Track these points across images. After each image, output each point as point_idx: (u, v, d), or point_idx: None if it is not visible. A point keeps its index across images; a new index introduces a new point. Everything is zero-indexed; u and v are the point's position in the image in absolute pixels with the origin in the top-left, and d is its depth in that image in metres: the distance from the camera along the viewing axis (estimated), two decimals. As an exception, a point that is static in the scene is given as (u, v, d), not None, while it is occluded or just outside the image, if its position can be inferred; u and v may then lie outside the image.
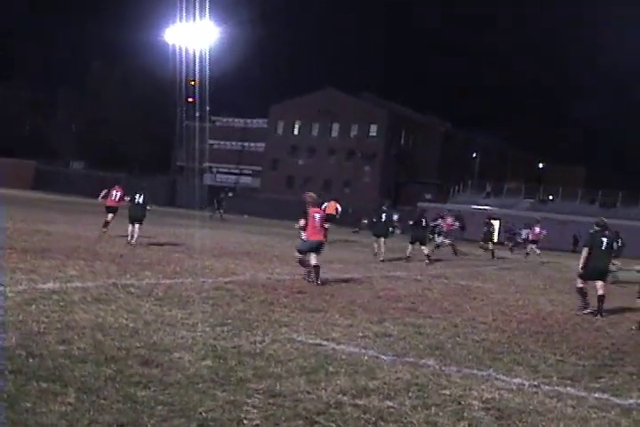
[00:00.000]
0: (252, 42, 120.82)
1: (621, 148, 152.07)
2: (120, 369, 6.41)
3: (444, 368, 7.90)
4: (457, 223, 34.35)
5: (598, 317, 13.91)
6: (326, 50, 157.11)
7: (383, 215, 25.66)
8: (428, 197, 77.40)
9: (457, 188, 75.52)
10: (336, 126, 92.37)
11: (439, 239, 30.89)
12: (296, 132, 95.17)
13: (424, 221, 26.05)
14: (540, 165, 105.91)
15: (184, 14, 62.58)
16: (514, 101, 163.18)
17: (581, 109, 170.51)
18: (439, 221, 31.70)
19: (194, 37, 63.59)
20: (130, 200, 22.06)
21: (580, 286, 14.54)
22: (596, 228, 15.21)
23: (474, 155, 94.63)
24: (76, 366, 6.36)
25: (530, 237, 35.44)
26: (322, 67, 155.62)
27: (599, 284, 14.38)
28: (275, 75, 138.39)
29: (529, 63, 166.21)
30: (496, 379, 7.66)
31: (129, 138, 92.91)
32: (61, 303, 9.39)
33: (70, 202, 50.65)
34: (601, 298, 14.32)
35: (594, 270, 14.39)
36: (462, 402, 6.56)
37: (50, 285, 10.89)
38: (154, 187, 72.50)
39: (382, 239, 24.95)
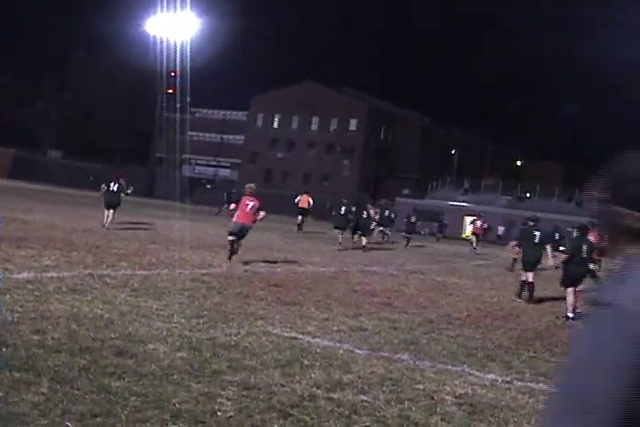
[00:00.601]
0: (233, 34, 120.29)
1: (600, 146, 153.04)
2: (94, 360, 6.39)
3: (418, 363, 7.94)
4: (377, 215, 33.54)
5: (526, 303, 14.63)
6: (307, 43, 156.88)
7: (343, 208, 27.78)
8: (407, 192, 77.56)
9: (435, 183, 75.72)
10: (316, 120, 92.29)
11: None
12: (276, 125, 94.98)
13: (366, 212, 27.12)
14: (519, 163, 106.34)
15: (165, 5, 62.41)
16: (494, 98, 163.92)
17: (561, 107, 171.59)
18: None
19: (175, 28, 63.38)
20: (106, 188, 23.81)
21: (523, 278, 15.69)
22: (530, 223, 16.28)
23: (453, 151, 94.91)
24: (50, 355, 6.34)
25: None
26: (302, 60, 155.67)
27: (530, 274, 15.25)
28: (255, 67, 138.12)
29: (509, 61, 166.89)
30: (469, 374, 7.72)
31: (108, 128, 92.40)
32: (36, 293, 9.34)
33: (47, 191, 50.31)
34: (530, 286, 15.36)
35: (527, 262, 15.46)
36: (435, 397, 6.61)
37: (25, 274, 10.83)
38: (132, 177, 72.40)
39: (341, 231, 26.90)
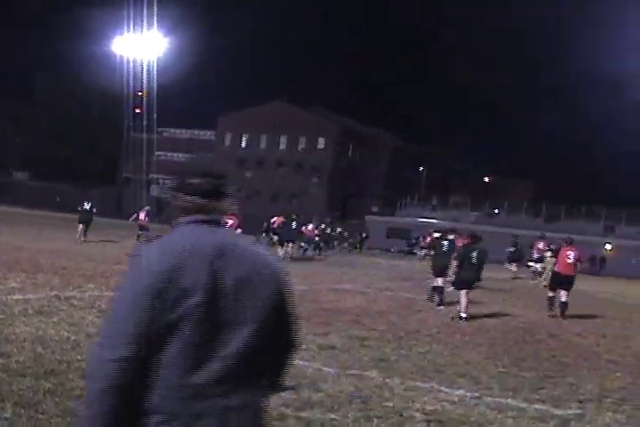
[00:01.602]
0: (201, 53, 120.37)
1: (567, 162, 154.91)
2: (60, 382, 6.31)
3: (387, 380, 7.94)
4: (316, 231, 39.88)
5: (463, 321, 14.40)
6: (276, 62, 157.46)
7: (293, 223, 30.16)
8: (375, 210, 77.75)
9: (404, 201, 76.00)
10: (284, 139, 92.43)
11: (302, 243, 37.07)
12: (244, 144, 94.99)
13: (294, 223, 29.99)
14: (487, 179, 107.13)
15: (131, 25, 62.24)
16: (460, 116, 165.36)
17: (527, 124, 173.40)
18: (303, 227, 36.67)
19: (141, 48, 63.29)
20: (80, 207, 28.70)
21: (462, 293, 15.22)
22: (469, 241, 16.08)
23: (420, 168, 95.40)
24: (15, 379, 6.26)
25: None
26: (271, 79, 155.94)
27: (463, 292, 14.99)
28: (223, 86, 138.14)
29: (473, 78, 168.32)
30: (439, 391, 7.72)
31: (75, 149, 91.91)
32: (1, 316, 9.23)
33: (14, 213, 49.85)
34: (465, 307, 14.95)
35: (467, 281, 15.21)
36: (404, 414, 6.60)
37: (-10, 297, 10.70)
38: (100, 198, 71.94)
39: (290, 244, 29.82)
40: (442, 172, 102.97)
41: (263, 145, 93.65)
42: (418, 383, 7.98)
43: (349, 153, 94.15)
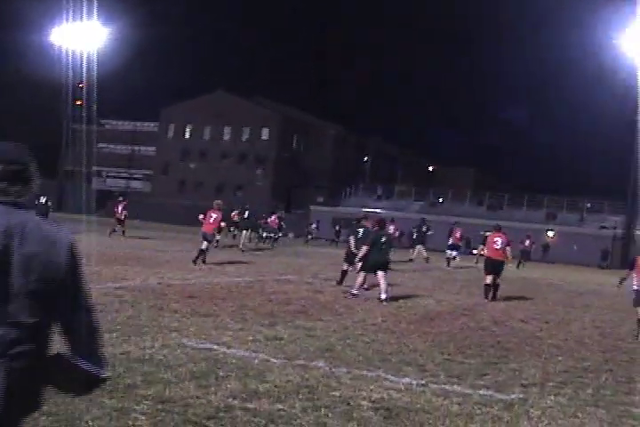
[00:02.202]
0: (142, 43, 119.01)
1: (509, 152, 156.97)
2: None
3: (334, 370, 7.97)
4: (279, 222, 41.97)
5: (385, 303, 15.25)
6: (218, 52, 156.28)
7: (246, 213, 34.04)
8: (320, 200, 77.88)
9: (349, 191, 76.24)
10: (228, 130, 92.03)
11: (264, 233, 40.19)
12: (187, 135, 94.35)
13: (247, 213, 34.32)
14: (430, 168, 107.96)
15: (71, 15, 61.31)
16: (404, 105, 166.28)
17: (472, 115, 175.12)
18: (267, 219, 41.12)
19: (81, 38, 62.37)
20: (36, 201, 29.68)
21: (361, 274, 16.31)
22: (377, 228, 17.11)
23: (365, 158, 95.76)
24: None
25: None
26: (213, 69, 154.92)
27: (380, 273, 15.88)
28: (165, 77, 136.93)
29: (418, 67, 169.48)
30: (385, 379, 7.78)
31: (13, 141, 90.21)
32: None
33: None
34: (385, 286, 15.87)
35: (374, 265, 16.03)
36: (352, 403, 6.64)
37: None
38: (41, 191, 70.77)
39: (245, 232, 32.39)
40: (386, 161, 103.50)
41: (207, 136, 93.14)
42: (364, 372, 8.03)
43: (294, 143, 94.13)
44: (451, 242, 33.53)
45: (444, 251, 34.13)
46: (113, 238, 30.77)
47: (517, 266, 36.30)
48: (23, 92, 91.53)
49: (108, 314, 10.32)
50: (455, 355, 9.64)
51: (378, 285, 16.08)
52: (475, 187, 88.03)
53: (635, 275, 14.00)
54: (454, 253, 33.36)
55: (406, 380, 7.83)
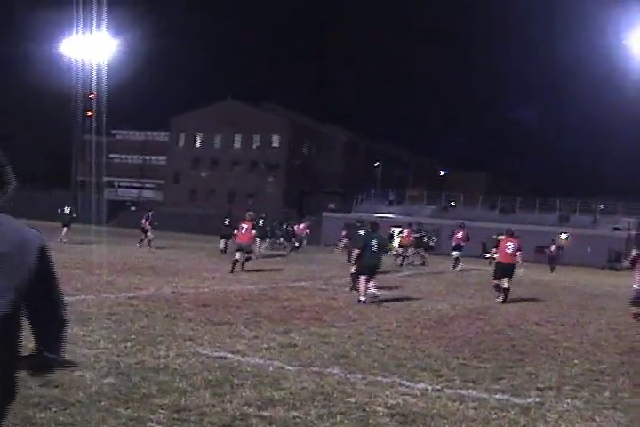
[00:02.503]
0: (151, 54, 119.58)
1: (519, 156, 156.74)
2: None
3: (349, 376, 7.96)
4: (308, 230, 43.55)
5: (361, 304, 15.51)
6: (227, 60, 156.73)
7: (227, 220, 33.28)
8: (332, 206, 77.83)
9: (360, 197, 76.16)
10: (238, 138, 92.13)
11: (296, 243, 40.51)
12: (198, 144, 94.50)
13: (261, 221, 32.18)
14: (442, 173, 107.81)
15: (80, 26, 61.59)
16: (413, 110, 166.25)
17: (482, 117, 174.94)
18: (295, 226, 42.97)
19: (91, 49, 62.63)
20: (60, 211, 34.15)
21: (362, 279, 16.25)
22: (369, 230, 17.32)
23: (376, 164, 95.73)
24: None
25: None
26: (223, 78, 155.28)
27: (362, 278, 16.12)
28: (175, 87, 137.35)
29: (428, 72, 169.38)
30: (400, 385, 7.76)
31: (26, 152, 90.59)
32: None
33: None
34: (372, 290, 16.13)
35: (368, 267, 16.15)
36: (367, 409, 6.63)
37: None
38: (55, 202, 70.99)
39: (224, 240, 32.32)
40: (397, 166, 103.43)
41: (217, 144, 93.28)
42: (379, 378, 8.02)
43: (304, 150, 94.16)
44: (454, 243, 33.89)
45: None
46: (141, 249, 31.50)
47: (551, 271, 38.79)
48: (34, 104, 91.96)
49: (123, 324, 10.35)
50: (470, 359, 9.62)
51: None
52: (487, 190, 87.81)
53: (637, 273, 14.10)
54: (455, 253, 33.78)
55: (421, 385, 7.81)
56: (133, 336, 9.36)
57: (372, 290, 16.13)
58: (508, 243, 18.81)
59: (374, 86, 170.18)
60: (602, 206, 67.41)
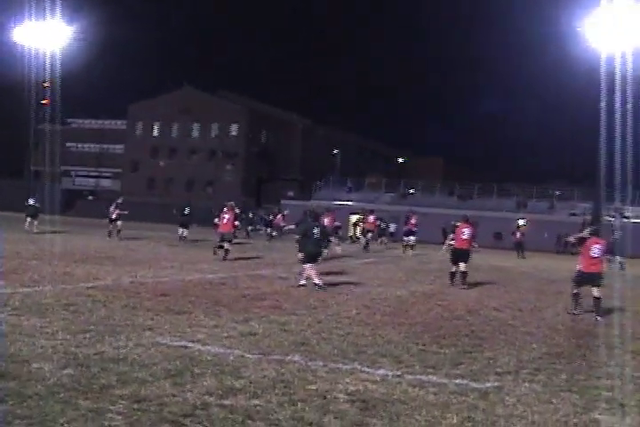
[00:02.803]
0: (107, 41, 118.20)
1: (477, 142, 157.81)
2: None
3: (309, 364, 7.98)
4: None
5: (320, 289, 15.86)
6: (183, 48, 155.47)
7: (187, 209, 33.66)
8: (291, 194, 77.75)
9: (319, 184, 76.18)
10: (196, 126, 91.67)
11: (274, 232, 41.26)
12: (156, 132, 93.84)
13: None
14: (400, 160, 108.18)
15: (34, 13, 60.62)
16: (372, 97, 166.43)
17: (438, 104, 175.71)
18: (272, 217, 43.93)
19: (45, 37, 61.68)
20: (26, 202, 34.54)
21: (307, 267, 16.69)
22: (309, 219, 18.39)
23: (334, 151, 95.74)
24: None
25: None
26: (178, 65, 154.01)
27: (308, 266, 16.54)
28: (131, 75, 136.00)
29: (388, 57, 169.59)
30: (361, 371, 7.80)
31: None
32: None
33: None
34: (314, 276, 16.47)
35: (310, 255, 16.68)
36: (328, 396, 6.66)
37: None
38: (7, 192, 69.97)
39: (184, 229, 32.72)
40: (356, 154, 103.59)
41: (175, 133, 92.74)
42: (340, 365, 8.04)
43: (262, 138, 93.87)
44: (406, 229, 35.22)
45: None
46: (110, 240, 30.87)
47: (519, 257, 40.04)
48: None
49: (81, 314, 10.26)
50: (430, 345, 9.69)
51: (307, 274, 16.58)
52: (445, 177, 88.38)
53: (582, 254, 14.77)
54: (411, 238, 34.78)
55: (382, 371, 7.86)
56: (92, 327, 9.28)
57: (303, 281, 16.56)
58: (464, 229, 19.41)
59: (332, 73, 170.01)
60: (558, 192, 68.16)
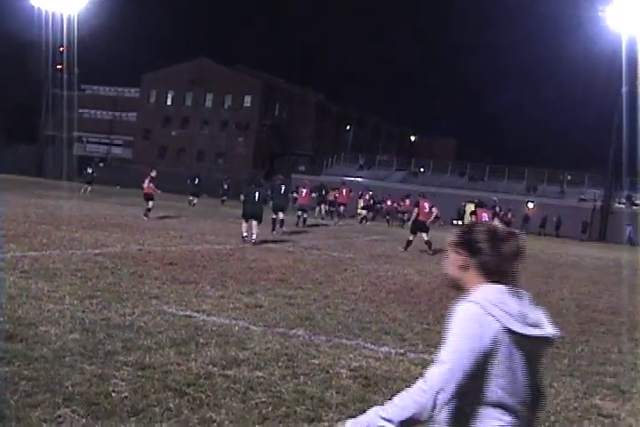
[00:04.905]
0: (123, 8, 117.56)
1: (490, 123, 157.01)
2: None
3: (313, 338, 8.02)
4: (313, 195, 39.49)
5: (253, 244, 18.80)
6: (200, 19, 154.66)
7: (197, 179, 37.51)
8: (302, 168, 77.72)
9: (330, 160, 76.10)
10: (210, 97, 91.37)
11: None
12: (169, 102, 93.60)
13: (282, 188, 26.43)
14: (412, 138, 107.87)
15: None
16: (387, 75, 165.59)
17: (452, 84, 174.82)
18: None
19: (62, 1, 61.46)
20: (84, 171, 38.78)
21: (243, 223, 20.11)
22: (253, 185, 20.72)
23: (347, 127, 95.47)
24: None
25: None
26: (195, 36, 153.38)
27: (254, 223, 19.77)
28: (148, 43, 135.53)
29: (403, 39, 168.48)
30: (364, 348, 7.84)
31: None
32: None
33: None
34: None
35: (251, 213, 19.89)
36: (330, 371, 6.69)
37: None
38: (22, 156, 70.06)
39: (195, 197, 36.79)
40: (368, 131, 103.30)
41: (189, 103, 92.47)
42: (343, 341, 8.08)
43: (276, 112, 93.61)
44: (362, 204, 40.97)
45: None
46: (144, 218, 24.99)
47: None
48: (2, 55, 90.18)
49: (89, 280, 10.32)
50: (434, 324, 9.70)
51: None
52: (456, 158, 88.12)
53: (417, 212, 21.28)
54: (363, 212, 41.09)
55: (385, 349, 7.89)
56: (99, 293, 9.33)
57: (254, 236, 19.53)
58: (425, 204, 22.67)
59: (353, 53, 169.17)
60: (569, 177, 67.94)
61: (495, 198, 35.53)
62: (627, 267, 24.07)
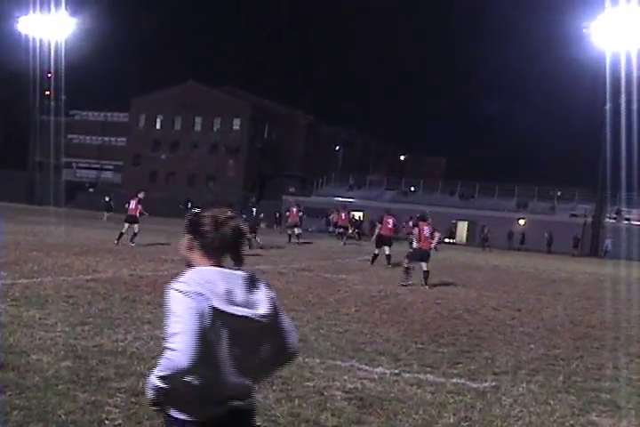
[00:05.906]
0: (112, 34, 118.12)
1: (479, 142, 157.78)
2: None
3: (307, 360, 7.98)
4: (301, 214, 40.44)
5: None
6: (188, 43, 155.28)
7: (189, 203, 35.37)
8: (292, 190, 77.81)
9: (321, 180, 76.22)
10: (199, 120, 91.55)
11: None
12: (158, 126, 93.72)
13: (254, 210, 28.91)
14: (402, 158, 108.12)
15: (39, 4, 60.58)
16: (375, 95, 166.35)
17: (441, 102, 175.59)
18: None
19: (49, 28, 61.70)
20: (102, 200, 39.73)
21: None
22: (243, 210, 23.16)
23: (337, 148, 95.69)
24: None
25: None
26: (183, 59, 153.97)
27: None
28: (135, 67, 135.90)
29: (390, 57, 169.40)
30: (358, 369, 7.80)
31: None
32: None
33: None
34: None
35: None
36: (325, 393, 6.66)
37: None
38: (12, 183, 69.95)
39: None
40: (358, 151, 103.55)
41: (178, 126, 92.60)
42: (338, 362, 8.05)
43: (265, 134, 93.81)
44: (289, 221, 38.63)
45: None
46: (117, 245, 23.60)
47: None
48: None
49: (80, 306, 10.27)
50: (428, 344, 9.69)
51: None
52: (446, 176, 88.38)
53: (416, 235, 18.42)
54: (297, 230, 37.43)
55: (380, 369, 7.86)
56: (91, 319, 9.29)
57: None
58: (389, 220, 23.75)
59: (340, 74, 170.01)
60: (559, 193, 68.18)
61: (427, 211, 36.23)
62: (619, 282, 24.10)
